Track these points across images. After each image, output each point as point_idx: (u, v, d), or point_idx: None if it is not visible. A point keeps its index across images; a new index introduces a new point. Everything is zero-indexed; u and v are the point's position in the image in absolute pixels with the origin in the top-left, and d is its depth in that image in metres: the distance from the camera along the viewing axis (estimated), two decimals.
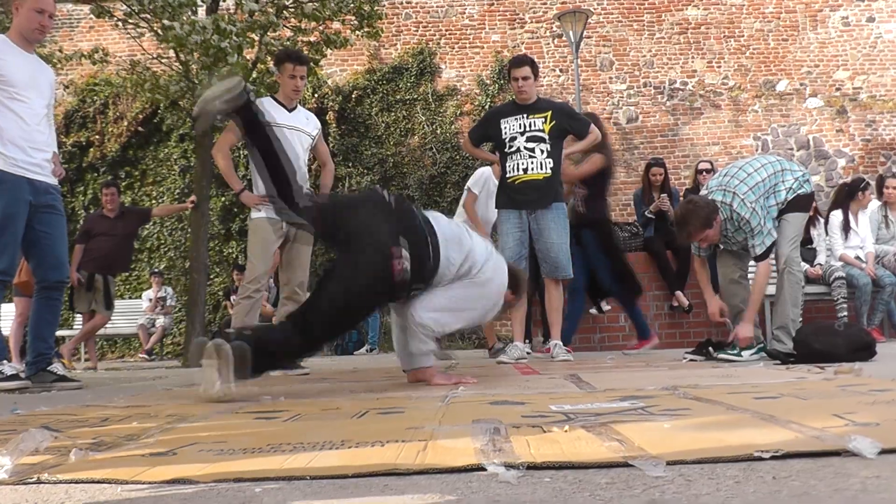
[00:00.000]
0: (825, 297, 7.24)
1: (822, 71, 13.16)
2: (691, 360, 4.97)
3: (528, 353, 5.88)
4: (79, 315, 9.29)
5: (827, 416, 1.71)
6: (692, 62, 13.37)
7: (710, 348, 5.02)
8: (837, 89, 13.09)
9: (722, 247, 5.15)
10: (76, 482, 1.30)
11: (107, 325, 8.98)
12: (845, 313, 7.00)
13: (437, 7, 13.63)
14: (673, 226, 5.48)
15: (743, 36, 13.35)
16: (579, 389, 2.88)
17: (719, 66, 13.32)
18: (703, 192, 5.19)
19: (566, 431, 1.65)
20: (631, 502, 1.05)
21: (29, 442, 1.36)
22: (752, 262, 5.14)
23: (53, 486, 1.28)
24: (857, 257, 7.38)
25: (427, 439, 1.62)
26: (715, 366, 4.40)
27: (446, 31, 13.63)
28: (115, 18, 8.42)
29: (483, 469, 1.29)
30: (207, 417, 2.30)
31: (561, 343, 5.77)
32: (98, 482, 1.29)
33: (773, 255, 4.93)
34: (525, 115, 5.59)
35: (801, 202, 4.98)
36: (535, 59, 5.90)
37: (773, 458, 1.29)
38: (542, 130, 5.55)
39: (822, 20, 13.26)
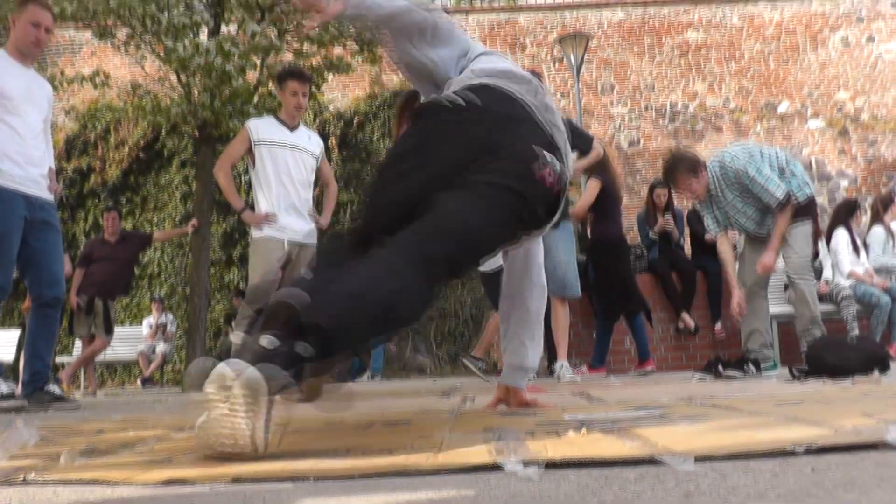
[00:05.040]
0: (834, 316, 7.15)
1: (824, 92, 13.16)
2: (700, 379, 4.88)
3: (532, 376, 5.77)
4: (78, 341, 9.20)
5: (857, 415, 1.63)
6: (693, 85, 13.38)
7: (720, 366, 4.94)
8: (839, 110, 13.07)
9: (715, 213, 5.12)
10: (65, 483, 1.22)
11: (107, 352, 8.87)
12: (856, 332, 6.90)
13: None
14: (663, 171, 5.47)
15: (743, 58, 13.36)
16: (590, 403, 2.80)
17: (720, 89, 13.32)
18: None
19: (583, 434, 1.57)
20: (665, 496, 0.96)
21: (14, 439, 1.28)
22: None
23: (41, 487, 1.20)
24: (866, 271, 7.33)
25: (438, 445, 1.54)
26: (727, 383, 4.31)
27: None
28: (118, 41, 8.41)
29: (500, 468, 1.21)
30: None
31: (567, 364, 5.67)
32: (88, 483, 1.21)
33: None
34: None
35: (803, 210, 4.94)
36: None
37: (807, 452, 1.20)
38: None
39: (822, 41, 13.28)
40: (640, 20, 13.59)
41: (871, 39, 13.23)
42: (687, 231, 8.20)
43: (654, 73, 13.41)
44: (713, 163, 5.00)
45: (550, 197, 2.07)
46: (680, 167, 5.03)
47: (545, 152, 2.04)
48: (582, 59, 11.38)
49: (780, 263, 7.43)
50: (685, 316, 7.50)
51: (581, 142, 5.71)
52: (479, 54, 2.32)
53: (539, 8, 13.87)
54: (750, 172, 4.77)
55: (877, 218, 7.81)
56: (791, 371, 4.29)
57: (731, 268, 5.24)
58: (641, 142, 13.22)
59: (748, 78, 13.29)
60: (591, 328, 7.54)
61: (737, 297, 5.12)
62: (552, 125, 2.16)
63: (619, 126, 13.29)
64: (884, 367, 4.11)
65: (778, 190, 4.77)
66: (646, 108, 13.32)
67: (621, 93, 13.41)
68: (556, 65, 13.40)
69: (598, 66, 13.44)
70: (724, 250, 5.26)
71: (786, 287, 7.40)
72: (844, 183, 12.71)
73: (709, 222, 5.24)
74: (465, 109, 2.05)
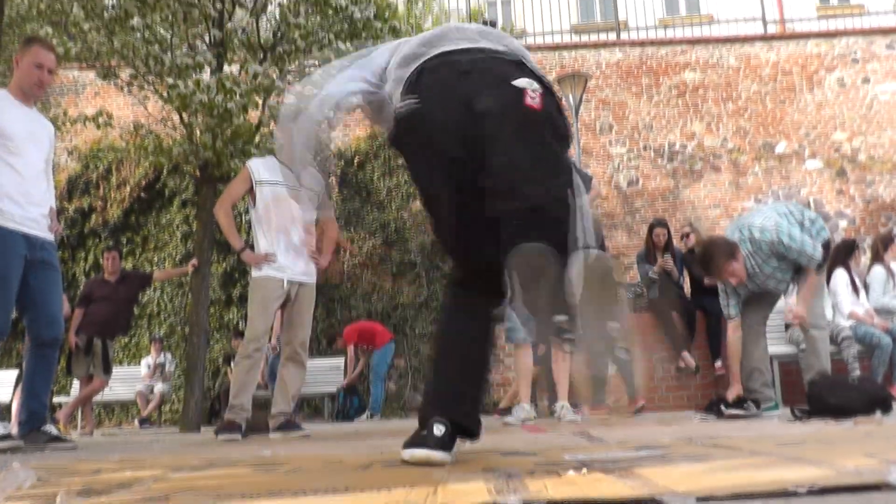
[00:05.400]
0: (835, 356, 7.11)
1: (821, 132, 13.23)
2: (702, 419, 4.86)
3: (533, 416, 5.76)
4: (76, 380, 9.16)
5: (859, 456, 1.61)
6: (691, 125, 13.46)
7: (721, 406, 4.91)
8: (836, 150, 13.13)
9: (749, 289, 5.06)
10: None
11: (105, 392, 8.82)
12: (857, 372, 6.88)
13: None
14: (697, 263, 5.37)
15: (741, 98, 13.45)
16: (591, 443, 2.78)
17: (718, 129, 13.39)
18: None
19: (584, 475, 1.56)
20: None
21: (11, 480, 1.27)
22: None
23: None
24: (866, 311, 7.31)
25: (437, 484, 1.53)
26: (728, 422, 4.29)
27: None
28: (121, 81, 8.48)
29: None
30: (204, 468, 2.19)
31: (568, 404, 5.64)
32: None
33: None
34: None
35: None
36: None
37: (809, 493, 1.19)
38: None
39: (818, 82, 13.39)
40: (637, 60, 13.72)
41: (866, 80, 13.34)
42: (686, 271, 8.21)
43: (652, 113, 13.50)
44: (742, 242, 4.85)
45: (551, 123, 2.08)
46: (718, 254, 4.80)
47: (521, 80, 2.03)
48: (580, 99, 11.47)
49: (781, 304, 7.46)
50: (685, 355, 7.48)
51: (581, 179, 5.74)
52: (400, 44, 2.24)
53: (538, 48, 14.00)
54: (785, 242, 4.70)
55: (877, 257, 7.81)
56: (793, 411, 4.27)
57: (737, 360, 5.14)
58: (640, 181, 13.26)
59: (745, 118, 13.38)
60: None
61: (736, 391, 5.06)
62: (506, 47, 2.14)
63: (618, 166, 13.34)
64: (886, 408, 4.09)
65: (815, 251, 4.76)
66: (644, 148, 13.38)
67: (620, 133, 13.48)
68: None
69: (597, 105, 13.54)
70: (734, 340, 5.12)
71: (786, 327, 7.38)
72: (843, 223, 12.73)
73: (731, 307, 5.05)
74: (416, 109, 2.05)
